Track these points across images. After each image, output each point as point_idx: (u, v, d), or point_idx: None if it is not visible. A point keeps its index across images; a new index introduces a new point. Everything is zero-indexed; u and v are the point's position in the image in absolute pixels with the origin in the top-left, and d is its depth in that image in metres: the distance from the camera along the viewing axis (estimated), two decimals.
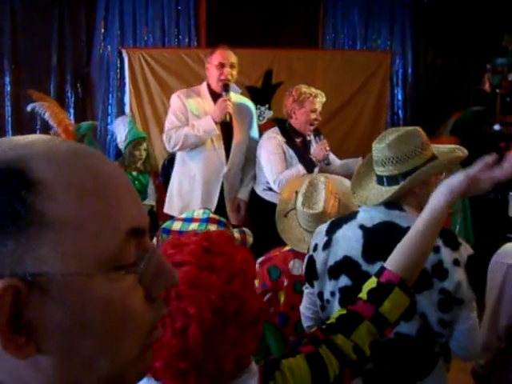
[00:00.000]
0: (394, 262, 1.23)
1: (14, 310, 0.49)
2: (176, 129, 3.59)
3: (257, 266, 2.36)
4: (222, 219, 2.08)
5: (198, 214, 1.88)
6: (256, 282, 2.30)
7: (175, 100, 3.71)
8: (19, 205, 0.50)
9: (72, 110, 5.52)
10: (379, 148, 1.88)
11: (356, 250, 1.89)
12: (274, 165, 3.68)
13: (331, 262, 1.94)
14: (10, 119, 5.40)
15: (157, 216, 4.41)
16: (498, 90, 5.42)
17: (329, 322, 1.17)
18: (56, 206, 0.51)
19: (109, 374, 0.56)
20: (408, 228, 1.80)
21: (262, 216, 3.84)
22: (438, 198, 1.28)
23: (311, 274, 2.01)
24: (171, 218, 2.42)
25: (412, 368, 1.87)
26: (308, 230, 2.42)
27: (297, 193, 2.55)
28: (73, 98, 5.54)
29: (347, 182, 2.61)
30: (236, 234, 2.18)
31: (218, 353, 1.03)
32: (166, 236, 1.71)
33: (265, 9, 5.77)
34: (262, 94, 5.36)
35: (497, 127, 5.36)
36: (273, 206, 3.71)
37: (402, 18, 5.90)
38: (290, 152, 3.72)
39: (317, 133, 3.75)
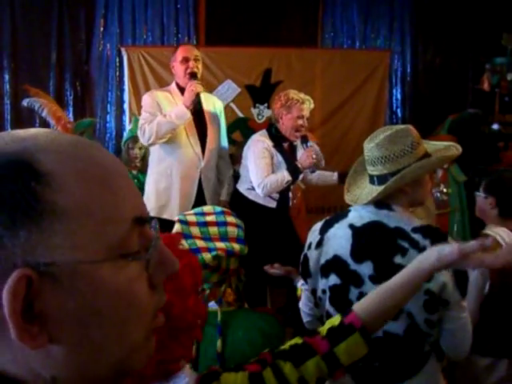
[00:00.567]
0: (363, 306, 1.18)
1: (27, 299, 0.50)
2: (149, 122, 3.56)
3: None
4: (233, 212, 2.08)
5: (209, 208, 1.87)
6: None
7: (146, 99, 3.70)
8: (30, 196, 0.51)
9: (71, 108, 5.54)
10: (369, 147, 1.89)
11: (345, 249, 1.90)
12: (259, 169, 3.66)
13: (322, 261, 1.95)
14: (8, 117, 5.43)
15: None
16: (496, 90, 5.42)
17: (282, 347, 1.13)
18: (65, 196, 0.52)
19: (117, 360, 0.57)
20: (395, 228, 1.82)
21: (245, 215, 3.83)
22: (426, 259, 1.24)
23: (305, 272, 2.03)
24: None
25: (401, 366, 1.88)
26: None
27: None
28: (72, 96, 5.56)
29: None
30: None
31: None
32: (186, 227, 1.71)
33: (264, 7, 5.78)
34: (260, 92, 5.36)
35: (495, 126, 5.36)
36: (256, 205, 3.75)
37: (401, 17, 5.91)
38: (278, 156, 3.69)
39: (304, 139, 3.70)
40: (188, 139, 3.68)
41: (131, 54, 5.26)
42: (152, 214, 3.16)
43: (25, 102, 4.49)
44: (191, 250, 1.58)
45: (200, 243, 1.66)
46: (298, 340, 1.14)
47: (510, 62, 5.33)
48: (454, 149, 1.92)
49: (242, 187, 3.86)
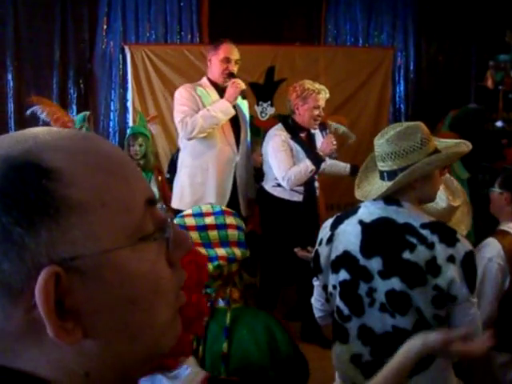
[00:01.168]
0: None
1: (57, 296, 0.50)
2: (190, 115, 3.55)
3: None
4: (234, 211, 2.07)
5: (207, 208, 1.84)
6: None
7: (183, 92, 3.68)
8: (44, 194, 0.51)
9: (74, 107, 5.54)
10: (379, 143, 1.90)
11: (354, 245, 1.91)
12: (281, 162, 3.69)
13: (333, 257, 1.97)
14: (12, 115, 5.43)
15: None
16: (500, 87, 5.41)
17: None
18: (78, 189, 0.52)
19: (149, 345, 0.58)
20: (404, 224, 1.83)
21: (271, 212, 3.88)
22: (412, 347, 1.31)
23: (316, 268, 2.04)
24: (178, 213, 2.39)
25: None
26: None
27: None
28: (75, 95, 5.56)
29: None
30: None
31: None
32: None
33: (267, 5, 5.78)
34: (264, 90, 5.36)
35: (499, 124, 5.35)
36: (282, 201, 3.77)
37: (405, 15, 5.90)
38: (297, 147, 3.72)
39: (323, 127, 3.75)
40: (224, 135, 3.69)
41: (134, 52, 5.27)
42: (188, 208, 3.13)
43: (28, 112, 4.60)
44: None
45: (201, 252, 1.64)
46: None
47: None
48: (464, 146, 1.92)
49: (267, 185, 3.89)
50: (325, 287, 2.05)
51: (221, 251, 1.65)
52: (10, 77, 5.39)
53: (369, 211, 1.93)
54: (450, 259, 1.77)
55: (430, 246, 1.78)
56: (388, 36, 5.97)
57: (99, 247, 0.52)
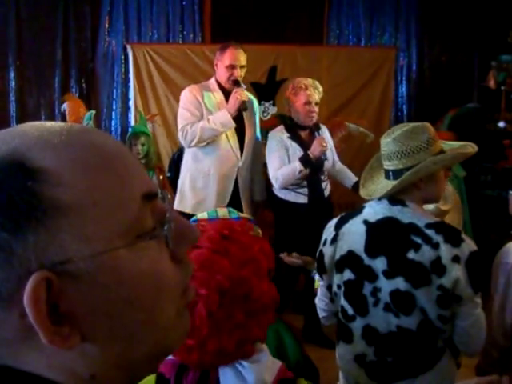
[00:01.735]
0: None
1: (51, 302, 0.49)
2: (191, 124, 3.56)
3: None
4: (252, 218, 2.06)
5: (224, 213, 1.82)
6: None
7: (188, 95, 3.68)
8: (29, 196, 0.48)
9: None
10: (386, 142, 1.90)
11: (359, 244, 1.91)
12: (271, 163, 3.71)
13: (337, 256, 1.97)
14: (14, 114, 5.43)
15: None
16: (502, 87, 5.40)
17: None
18: (66, 190, 0.50)
19: (153, 343, 0.56)
20: (409, 224, 1.83)
21: (278, 215, 3.89)
22: None
23: (321, 268, 2.04)
24: (182, 215, 2.37)
25: (414, 361, 1.88)
26: None
27: None
28: (77, 94, 5.56)
29: None
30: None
31: (221, 333, 1.07)
32: None
33: (269, 5, 5.77)
34: (266, 90, 5.35)
35: (501, 124, 5.35)
36: (287, 204, 3.76)
37: (407, 15, 5.89)
38: (295, 146, 3.70)
39: (316, 127, 3.72)
40: (228, 140, 3.69)
41: (137, 52, 5.26)
42: (187, 210, 3.11)
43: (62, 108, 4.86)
44: None
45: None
46: None
47: None
48: (470, 147, 1.92)
49: (275, 188, 3.88)
50: (329, 287, 2.05)
51: None
52: (12, 76, 5.39)
53: (374, 211, 1.93)
54: (455, 259, 1.77)
55: (435, 246, 1.78)
56: (390, 36, 5.95)
57: (91, 249, 0.50)
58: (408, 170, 1.83)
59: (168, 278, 0.56)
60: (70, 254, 0.49)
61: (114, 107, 5.65)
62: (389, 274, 1.84)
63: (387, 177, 1.93)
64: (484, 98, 5.69)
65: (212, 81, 3.80)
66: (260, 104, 5.37)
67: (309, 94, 3.68)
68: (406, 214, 1.87)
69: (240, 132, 3.74)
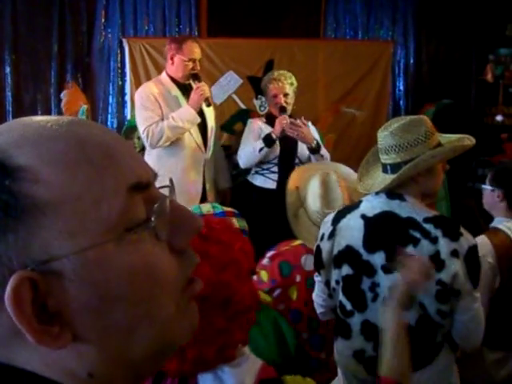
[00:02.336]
0: (385, 367, 1.27)
1: (38, 301, 0.47)
2: (155, 123, 3.47)
3: (266, 260, 2.34)
4: (236, 211, 2.04)
5: (208, 208, 1.81)
6: (265, 278, 2.30)
7: (144, 94, 3.57)
8: (7, 195, 0.47)
9: None
10: (383, 136, 1.88)
11: (357, 239, 1.90)
12: (242, 145, 3.75)
13: (335, 252, 1.96)
14: (10, 108, 5.40)
15: None
16: (500, 81, 5.40)
17: None
18: (45, 187, 0.48)
19: (152, 339, 0.54)
20: (407, 218, 1.82)
21: (252, 201, 3.84)
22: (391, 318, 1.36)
23: (318, 263, 2.03)
24: None
25: (413, 356, 1.87)
26: None
27: (298, 188, 2.54)
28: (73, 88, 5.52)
29: (349, 169, 2.61)
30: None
31: (201, 340, 1.03)
32: None
33: None
34: None
35: (499, 118, 5.35)
36: (256, 188, 3.72)
37: (404, 8, 5.87)
38: (268, 130, 3.67)
39: (281, 110, 3.66)
40: (191, 135, 3.63)
41: (133, 46, 5.24)
42: None
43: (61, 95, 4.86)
44: None
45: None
46: None
47: None
48: (468, 140, 1.91)
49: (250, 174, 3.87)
50: (327, 283, 2.03)
51: None
52: (7, 70, 5.36)
53: (371, 205, 1.92)
54: (454, 254, 1.76)
55: (434, 240, 1.77)
56: (388, 30, 5.93)
57: (75, 246, 0.48)
58: (406, 164, 1.82)
59: (164, 272, 0.53)
60: (53, 252, 0.48)
61: (110, 101, 5.62)
62: (387, 269, 1.83)
63: (385, 171, 1.92)
64: (482, 92, 5.68)
65: (164, 76, 3.69)
66: (257, 98, 5.35)
67: (272, 87, 3.69)
68: (404, 209, 1.86)
69: (202, 125, 3.68)
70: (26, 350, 0.50)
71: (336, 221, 1.99)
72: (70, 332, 0.49)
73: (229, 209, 2.07)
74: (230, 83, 5.29)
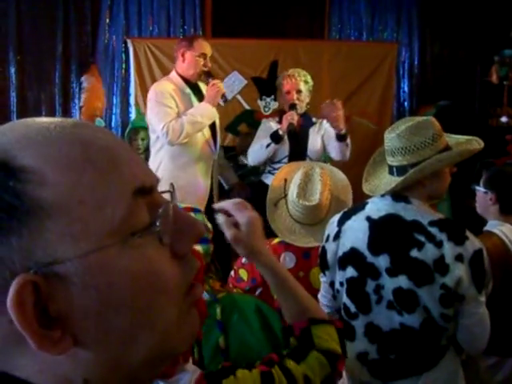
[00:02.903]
0: (288, 315, 1.16)
1: (39, 305, 0.47)
2: (175, 120, 3.44)
3: (245, 259, 2.34)
4: (196, 206, 2.04)
5: None
6: (245, 277, 2.30)
7: (159, 91, 3.53)
8: (11, 197, 0.46)
9: (77, 100, 5.51)
10: (390, 138, 1.87)
11: (362, 241, 1.89)
12: (252, 143, 3.78)
13: (340, 253, 1.95)
14: (15, 109, 5.40)
15: None
16: (505, 82, 5.38)
17: (286, 350, 1.11)
18: (50, 189, 0.48)
19: (151, 346, 0.53)
20: (412, 222, 1.81)
21: (262, 200, 3.85)
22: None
23: (323, 264, 2.03)
24: None
25: (417, 359, 1.87)
26: (300, 221, 2.39)
27: (286, 180, 2.53)
28: (78, 88, 5.52)
29: (342, 175, 2.59)
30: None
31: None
32: None
33: None
34: (267, 84, 5.33)
35: (504, 119, 5.33)
36: (267, 187, 3.74)
37: (409, 9, 5.86)
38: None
39: (291, 106, 3.67)
40: (203, 134, 3.63)
41: (137, 46, 5.24)
42: None
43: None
44: None
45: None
46: (294, 342, 1.12)
47: None
48: (476, 143, 1.89)
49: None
50: (332, 284, 2.03)
51: None
52: (12, 70, 5.36)
53: (377, 207, 1.91)
54: (459, 258, 1.75)
55: (439, 244, 1.76)
56: (392, 31, 5.91)
57: (79, 250, 0.47)
58: (412, 167, 1.81)
59: (166, 277, 0.53)
60: (57, 255, 0.47)
61: (115, 102, 5.62)
62: (392, 272, 1.83)
63: (391, 172, 1.91)
64: (486, 93, 5.66)
65: (174, 75, 3.66)
66: (261, 99, 5.36)
67: (284, 82, 3.74)
68: (409, 211, 1.85)
69: (211, 124, 3.68)
70: (22, 356, 0.49)
71: (341, 222, 1.98)
72: (70, 337, 0.48)
73: (187, 205, 2.08)
74: (234, 84, 5.29)
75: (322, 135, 3.79)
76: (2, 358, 0.49)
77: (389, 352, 1.88)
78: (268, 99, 5.38)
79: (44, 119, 0.54)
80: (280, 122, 3.72)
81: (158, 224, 0.53)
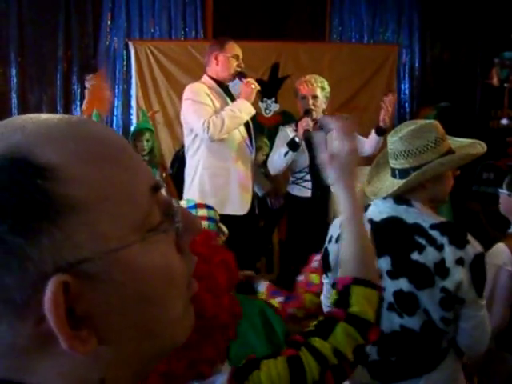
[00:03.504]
0: (343, 266, 1.15)
1: (67, 304, 0.46)
2: (215, 115, 3.41)
3: (316, 263, 2.33)
4: (209, 204, 2.04)
5: (182, 204, 1.85)
6: (316, 280, 2.30)
7: (197, 89, 3.53)
8: (40, 196, 0.45)
9: (78, 102, 5.52)
10: (392, 140, 1.87)
11: None
12: (271, 153, 3.84)
13: None
14: (16, 111, 5.41)
15: None
16: (505, 84, 5.38)
17: (308, 328, 1.08)
18: (76, 186, 0.47)
19: (164, 338, 0.54)
20: (413, 225, 1.81)
21: (290, 210, 3.93)
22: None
23: (326, 266, 2.03)
24: None
25: (417, 361, 1.87)
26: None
27: None
28: (79, 90, 5.54)
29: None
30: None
31: (170, 355, 0.97)
32: None
33: (272, 1, 5.75)
34: (268, 86, 5.34)
35: (504, 121, 5.34)
36: (293, 197, 3.83)
37: (410, 11, 5.87)
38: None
39: (306, 112, 3.70)
40: (240, 133, 3.62)
41: (138, 48, 5.26)
42: None
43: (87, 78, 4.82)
44: None
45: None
46: (320, 318, 1.09)
47: None
48: (480, 147, 1.90)
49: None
50: (334, 285, 2.04)
51: None
52: (13, 72, 5.38)
53: (378, 210, 1.92)
54: (459, 262, 1.75)
55: (440, 247, 1.76)
56: (393, 33, 5.93)
57: (106, 247, 0.48)
58: (414, 170, 1.81)
59: (177, 272, 0.55)
60: (86, 254, 0.47)
61: (116, 104, 5.63)
62: (392, 275, 1.83)
63: (393, 175, 1.91)
64: (487, 95, 5.67)
65: (206, 78, 3.67)
66: (262, 101, 5.36)
67: (301, 88, 3.77)
68: (411, 214, 1.85)
69: (246, 124, 3.68)
70: (42, 359, 0.48)
71: None
72: (96, 336, 0.48)
73: (200, 202, 2.08)
74: (235, 86, 5.29)
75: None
76: (16, 364, 0.48)
77: (389, 354, 1.88)
78: (269, 101, 5.39)
79: (47, 116, 0.53)
80: (296, 129, 3.74)
81: (177, 220, 0.55)
